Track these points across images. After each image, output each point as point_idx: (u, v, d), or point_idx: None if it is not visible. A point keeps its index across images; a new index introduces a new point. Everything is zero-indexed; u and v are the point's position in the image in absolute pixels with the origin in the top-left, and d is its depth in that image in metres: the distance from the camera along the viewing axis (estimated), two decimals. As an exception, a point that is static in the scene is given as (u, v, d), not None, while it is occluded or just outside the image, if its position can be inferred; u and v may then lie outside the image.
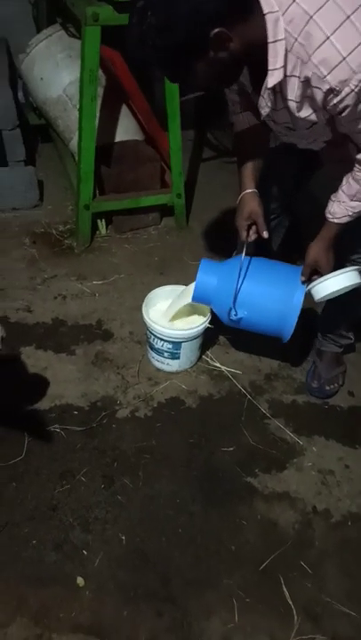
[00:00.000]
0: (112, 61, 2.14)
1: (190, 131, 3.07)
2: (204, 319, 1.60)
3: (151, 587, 1.22)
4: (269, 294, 1.44)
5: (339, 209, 1.22)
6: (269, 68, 0.97)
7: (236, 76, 1.11)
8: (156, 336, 1.60)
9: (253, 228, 1.42)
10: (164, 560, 1.27)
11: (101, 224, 2.28)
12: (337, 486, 1.44)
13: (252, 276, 1.45)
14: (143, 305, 1.64)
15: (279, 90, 1.04)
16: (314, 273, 1.37)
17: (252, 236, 1.42)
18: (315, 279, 1.36)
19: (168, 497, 1.39)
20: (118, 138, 2.20)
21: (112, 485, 1.40)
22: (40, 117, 2.61)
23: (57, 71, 2.21)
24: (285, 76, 0.98)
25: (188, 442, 1.53)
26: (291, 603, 1.21)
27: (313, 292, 1.37)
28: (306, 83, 0.97)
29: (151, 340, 1.64)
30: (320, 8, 0.90)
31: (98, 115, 2.03)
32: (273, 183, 1.58)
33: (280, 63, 0.96)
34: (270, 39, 0.94)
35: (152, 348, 1.67)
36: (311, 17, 0.90)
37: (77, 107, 2.00)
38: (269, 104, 1.08)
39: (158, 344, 1.62)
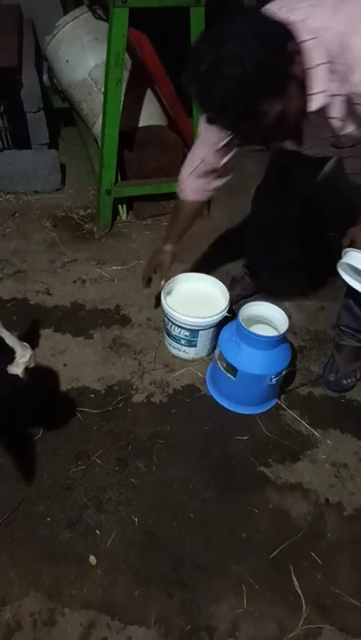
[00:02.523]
0: (139, 44, 2.11)
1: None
2: (222, 308, 1.60)
3: (162, 569, 1.24)
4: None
5: None
6: (309, 92, 0.98)
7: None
8: (173, 323, 1.60)
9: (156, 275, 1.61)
10: (176, 544, 1.29)
11: (122, 209, 2.28)
12: (351, 480, 1.44)
13: None
14: (162, 291, 1.64)
15: (318, 111, 1.03)
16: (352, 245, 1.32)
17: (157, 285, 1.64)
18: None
19: (181, 482, 1.40)
20: (142, 123, 2.18)
21: (126, 468, 1.42)
22: (64, 100, 2.60)
23: (83, 54, 2.20)
24: (330, 96, 0.99)
25: (203, 429, 1.53)
26: (300, 592, 1.22)
27: (344, 256, 1.31)
28: (347, 101, 0.99)
29: (169, 327, 1.65)
30: (357, 28, 0.91)
31: (122, 99, 2.01)
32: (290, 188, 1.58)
33: (320, 87, 0.97)
34: (312, 64, 0.95)
35: (169, 334, 1.67)
36: (348, 38, 0.91)
37: (102, 90, 1.99)
38: (314, 123, 1.08)
39: (176, 331, 1.62)
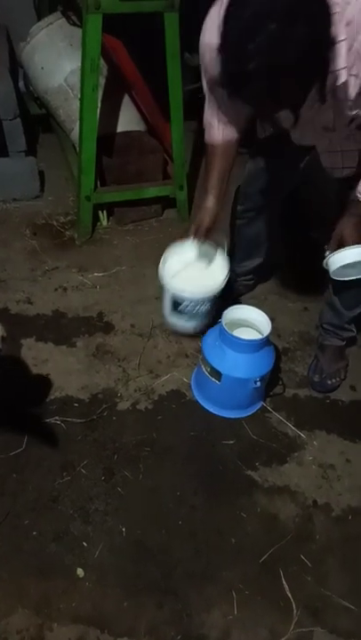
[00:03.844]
0: (114, 51, 2.11)
1: (193, 121, 3.04)
2: (222, 279, 1.56)
3: (152, 578, 1.23)
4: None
5: None
6: (332, 69, 0.95)
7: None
8: (174, 295, 1.58)
9: (201, 230, 1.46)
10: (165, 552, 1.27)
11: (103, 215, 2.26)
12: (338, 480, 1.44)
13: None
14: (160, 263, 1.60)
15: (331, 91, 1.01)
16: (339, 246, 1.32)
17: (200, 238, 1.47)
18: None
19: (169, 489, 1.39)
20: (120, 128, 2.17)
21: (112, 477, 1.40)
22: (41, 107, 2.58)
23: (58, 60, 2.18)
24: (350, 75, 0.97)
25: (189, 435, 1.52)
26: (290, 596, 1.21)
27: (330, 262, 1.33)
28: None
29: (169, 301, 1.62)
30: None
31: (99, 105, 2.00)
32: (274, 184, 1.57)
33: (343, 64, 0.95)
34: (336, 39, 0.92)
35: (174, 308, 1.63)
36: None
37: (79, 96, 1.98)
38: (316, 107, 1.04)
39: (181, 302, 1.59)
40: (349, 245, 1.29)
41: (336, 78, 0.96)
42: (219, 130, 1.33)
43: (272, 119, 1.18)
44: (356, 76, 0.96)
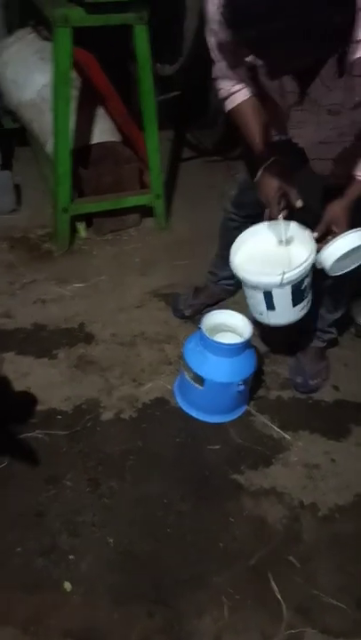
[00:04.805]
0: (85, 63, 2.12)
1: (169, 131, 3.07)
2: (304, 260, 1.28)
3: (141, 588, 1.22)
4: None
5: None
6: (355, 39, 0.88)
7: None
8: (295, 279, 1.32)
9: (283, 201, 1.29)
10: (154, 561, 1.26)
11: (81, 227, 2.26)
12: (323, 480, 1.45)
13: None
14: (232, 254, 1.39)
15: (350, 65, 0.95)
16: (328, 232, 1.28)
17: (284, 212, 1.29)
18: (329, 239, 1.26)
19: (156, 497, 1.38)
20: (95, 140, 2.19)
21: (98, 488, 1.39)
22: (15, 121, 2.58)
23: (30, 74, 2.19)
24: None
25: (175, 441, 1.52)
26: (280, 598, 1.21)
27: (324, 257, 1.25)
28: None
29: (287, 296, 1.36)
30: None
31: (73, 117, 2.02)
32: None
33: None
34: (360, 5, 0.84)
35: (297, 297, 1.37)
36: None
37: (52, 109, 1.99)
38: (329, 84, 0.99)
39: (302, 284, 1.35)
40: (338, 231, 1.23)
41: (355, 51, 0.89)
42: (240, 87, 1.24)
43: (281, 88, 1.11)
44: None
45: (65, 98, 1.86)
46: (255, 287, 1.36)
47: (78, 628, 1.15)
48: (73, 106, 2.05)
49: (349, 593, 1.23)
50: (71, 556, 1.26)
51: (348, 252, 1.23)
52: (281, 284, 1.28)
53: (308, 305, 1.43)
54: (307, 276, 1.31)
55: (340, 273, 1.30)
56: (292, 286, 1.31)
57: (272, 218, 1.30)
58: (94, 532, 1.31)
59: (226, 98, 1.28)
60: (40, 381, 1.65)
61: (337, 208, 1.24)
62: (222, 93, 1.28)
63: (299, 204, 1.27)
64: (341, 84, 1.01)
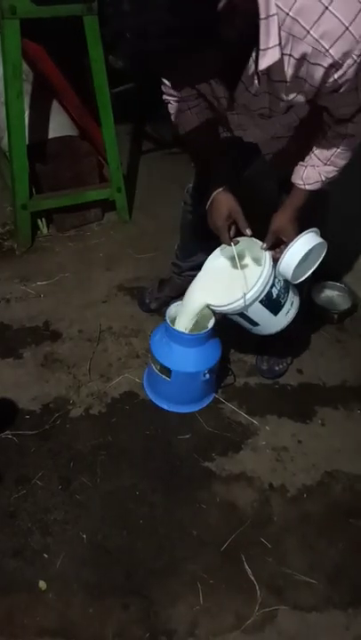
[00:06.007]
0: (37, 56, 2.08)
1: (129, 124, 3.05)
2: (258, 276, 1.28)
3: (115, 581, 1.22)
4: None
5: (313, 173, 1.17)
6: (262, 47, 0.86)
7: (245, 61, 0.94)
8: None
9: (233, 228, 1.32)
10: (128, 553, 1.27)
11: (42, 223, 2.23)
12: (291, 461, 1.49)
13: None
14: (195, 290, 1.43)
15: (265, 72, 0.93)
16: (277, 243, 1.30)
17: (234, 240, 1.33)
18: (278, 252, 1.28)
19: (127, 491, 1.39)
20: (52, 134, 2.15)
21: (70, 486, 1.39)
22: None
23: (-19, 68, 2.13)
24: (284, 54, 0.88)
25: (145, 434, 1.53)
26: (253, 579, 1.24)
27: (282, 268, 1.26)
28: (301, 60, 0.88)
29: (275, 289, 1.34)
30: None
31: (27, 111, 1.97)
32: None
33: (274, 41, 0.85)
34: (262, 15, 0.82)
35: (274, 306, 1.36)
36: None
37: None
38: (252, 90, 0.98)
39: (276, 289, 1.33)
40: (287, 240, 1.25)
41: (266, 57, 0.87)
42: (186, 107, 1.25)
43: (213, 93, 1.10)
44: (290, 55, 0.88)
45: (17, 92, 1.81)
46: (227, 314, 1.38)
47: (54, 625, 1.15)
48: (27, 100, 2.01)
49: (319, 569, 1.27)
50: (45, 555, 1.25)
51: (303, 257, 1.24)
52: (246, 306, 1.29)
53: (295, 305, 1.42)
54: (273, 286, 1.31)
55: (304, 278, 1.31)
56: (261, 301, 1.30)
57: (226, 244, 1.33)
58: (67, 529, 1.30)
59: (176, 119, 1.28)
60: (6, 382, 1.62)
61: (282, 218, 1.26)
62: (172, 114, 1.28)
63: (248, 232, 1.29)
64: (265, 88, 0.99)
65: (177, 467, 1.46)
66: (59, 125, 2.18)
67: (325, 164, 1.16)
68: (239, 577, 1.25)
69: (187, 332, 1.45)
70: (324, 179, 1.18)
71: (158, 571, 1.25)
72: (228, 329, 1.84)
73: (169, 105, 1.28)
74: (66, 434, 1.51)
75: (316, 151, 1.16)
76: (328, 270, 1.37)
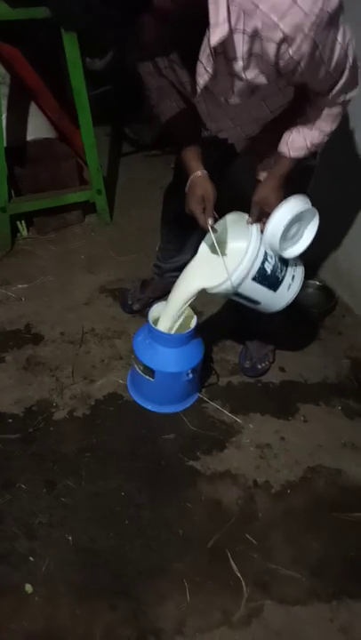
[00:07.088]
0: (12, 59, 2.07)
1: (108, 126, 3.05)
2: (244, 252, 1.23)
3: (102, 582, 1.22)
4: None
5: (298, 137, 1.15)
6: (211, 22, 0.85)
7: (200, 40, 0.93)
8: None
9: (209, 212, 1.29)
10: (114, 555, 1.27)
11: (22, 226, 2.22)
12: (275, 458, 1.51)
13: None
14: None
15: (222, 50, 0.92)
16: (262, 214, 1.26)
17: (210, 221, 1.29)
18: (264, 222, 1.24)
19: (113, 492, 1.39)
20: (30, 137, 2.15)
21: (55, 489, 1.38)
22: None
23: None
24: (230, 31, 0.87)
25: (129, 435, 1.53)
26: (239, 575, 1.25)
27: (268, 234, 1.20)
28: (254, 36, 0.87)
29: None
30: None
31: (5, 114, 1.97)
32: None
33: (223, 15, 0.84)
34: None
35: (270, 282, 1.30)
36: None
37: (-18, 107, 1.93)
38: (209, 69, 0.96)
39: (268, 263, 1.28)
40: (270, 211, 1.21)
41: (216, 33, 0.86)
42: (169, 100, 1.25)
43: (178, 78, 1.11)
44: (243, 31, 0.87)
45: (-6, 95, 1.81)
46: (226, 296, 1.35)
47: (41, 628, 1.15)
48: (4, 103, 2.00)
49: (303, 563, 1.29)
50: (31, 558, 1.25)
51: (289, 224, 1.18)
52: (236, 286, 1.24)
53: (297, 278, 1.35)
54: (265, 261, 1.25)
55: (300, 251, 1.26)
56: (254, 278, 1.25)
57: (202, 226, 1.30)
58: (52, 532, 1.30)
59: (157, 107, 1.27)
60: (-12, 386, 1.61)
61: (265, 187, 1.24)
62: (152, 101, 1.27)
63: (210, 222, 1.28)
64: (223, 68, 0.97)
65: (162, 466, 1.46)
66: (37, 127, 2.18)
67: (311, 130, 1.14)
68: (225, 574, 1.26)
69: (170, 332, 1.46)
70: (309, 144, 1.15)
71: (145, 570, 1.25)
72: (210, 329, 1.86)
73: (151, 96, 1.26)
74: (50, 437, 1.50)
75: (301, 120, 1.15)
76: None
